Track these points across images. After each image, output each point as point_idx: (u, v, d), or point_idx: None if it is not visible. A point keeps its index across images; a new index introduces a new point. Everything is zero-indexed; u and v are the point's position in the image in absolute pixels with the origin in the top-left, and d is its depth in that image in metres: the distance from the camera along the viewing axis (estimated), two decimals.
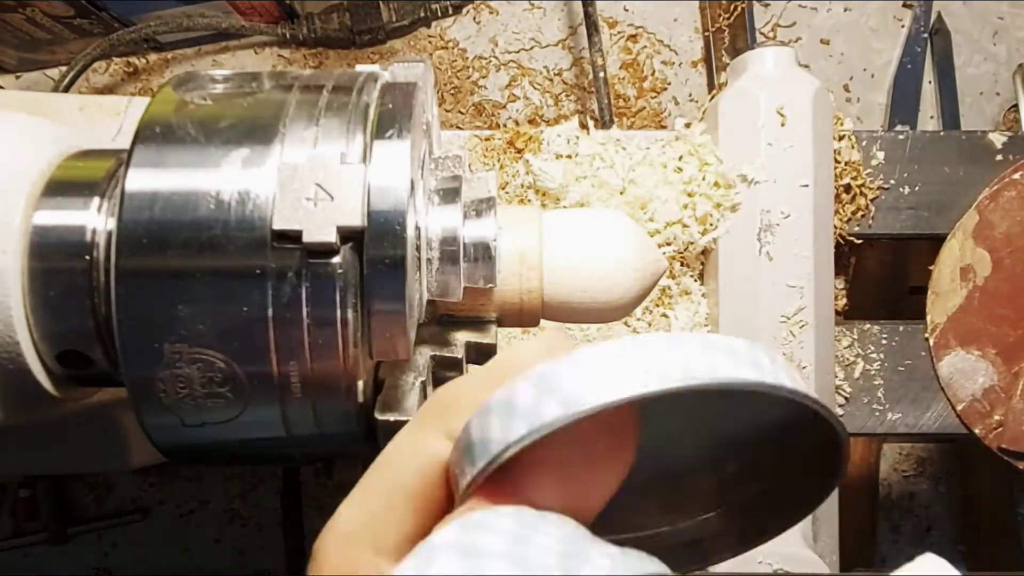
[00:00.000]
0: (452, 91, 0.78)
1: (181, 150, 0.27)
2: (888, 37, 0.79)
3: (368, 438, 0.28)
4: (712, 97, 0.59)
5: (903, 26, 0.79)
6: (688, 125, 0.58)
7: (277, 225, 0.25)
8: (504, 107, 0.78)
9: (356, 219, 0.25)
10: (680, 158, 0.56)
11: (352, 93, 0.28)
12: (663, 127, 0.78)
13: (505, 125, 0.78)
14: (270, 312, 0.25)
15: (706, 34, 0.77)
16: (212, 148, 0.26)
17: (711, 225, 0.55)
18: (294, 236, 0.25)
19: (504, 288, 0.29)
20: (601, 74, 0.69)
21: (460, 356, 0.30)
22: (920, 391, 0.59)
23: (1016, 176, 0.58)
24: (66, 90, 0.68)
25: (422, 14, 0.76)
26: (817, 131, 0.54)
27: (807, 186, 0.53)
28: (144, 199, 0.26)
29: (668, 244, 0.55)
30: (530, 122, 0.78)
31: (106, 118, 0.53)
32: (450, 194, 0.29)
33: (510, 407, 0.18)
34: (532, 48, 0.78)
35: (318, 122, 0.27)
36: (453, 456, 0.20)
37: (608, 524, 0.20)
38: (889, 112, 0.77)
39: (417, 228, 0.27)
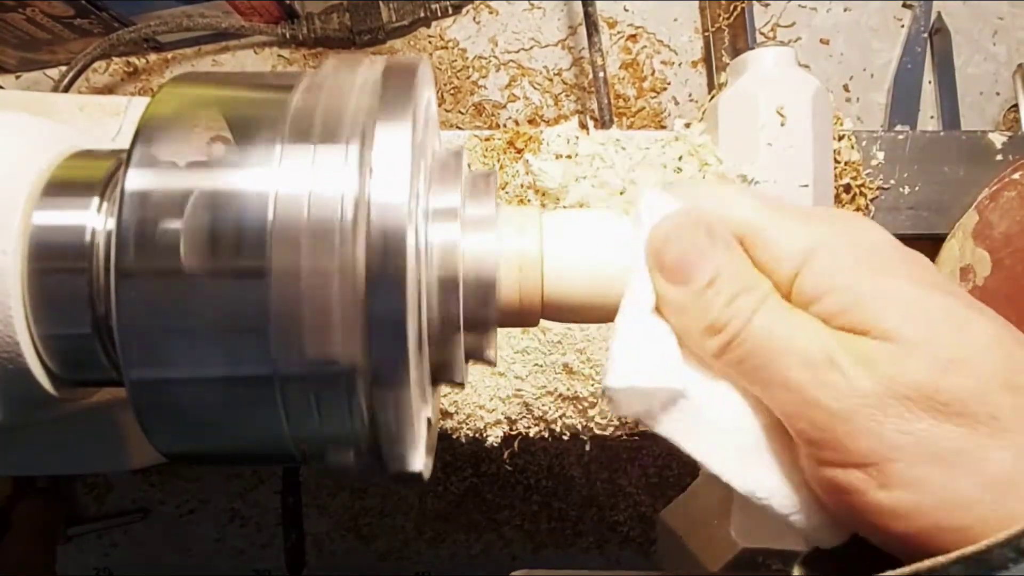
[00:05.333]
0: (452, 91, 0.78)
1: None
2: (888, 37, 0.79)
3: (368, 438, 0.28)
4: (712, 97, 0.59)
5: (903, 26, 0.79)
6: (688, 125, 0.58)
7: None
8: (504, 107, 0.78)
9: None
10: (680, 158, 0.56)
11: (353, 94, 0.28)
12: (663, 127, 0.78)
13: (505, 125, 0.78)
14: (271, 312, 0.25)
15: (706, 34, 0.77)
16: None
17: None
18: None
19: (504, 289, 0.29)
20: (601, 74, 0.69)
21: (460, 356, 0.30)
22: None
23: (1016, 176, 0.58)
24: (66, 90, 0.68)
25: (422, 14, 0.76)
26: (817, 131, 0.54)
27: (807, 186, 0.53)
28: (144, 199, 0.26)
29: None
30: (530, 122, 0.78)
31: (106, 118, 0.53)
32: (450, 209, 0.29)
33: None
34: (532, 48, 0.78)
35: (318, 123, 0.27)
36: None
37: None
38: (889, 112, 0.77)
39: (416, 233, 0.27)
